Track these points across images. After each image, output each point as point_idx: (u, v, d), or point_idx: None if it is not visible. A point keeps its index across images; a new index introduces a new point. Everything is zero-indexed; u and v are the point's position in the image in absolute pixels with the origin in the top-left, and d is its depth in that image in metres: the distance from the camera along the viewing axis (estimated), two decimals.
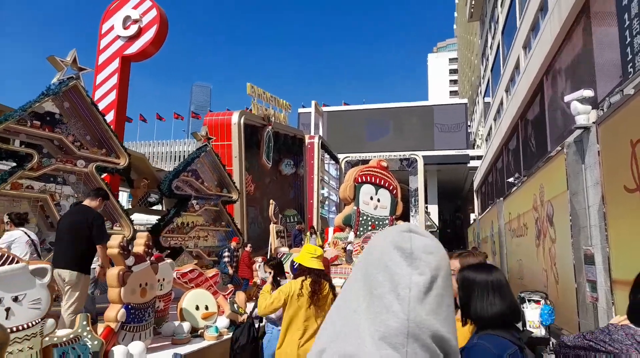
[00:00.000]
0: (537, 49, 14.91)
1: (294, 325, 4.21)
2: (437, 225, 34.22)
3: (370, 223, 20.26)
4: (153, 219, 12.02)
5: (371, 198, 20.48)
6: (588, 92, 6.53)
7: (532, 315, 7.11)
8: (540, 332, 7.02)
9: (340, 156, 26.70)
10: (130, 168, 10.60)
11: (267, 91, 18.92)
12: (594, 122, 6.21)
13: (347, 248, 16.32)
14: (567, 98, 6.84)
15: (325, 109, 36.85)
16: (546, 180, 8.39)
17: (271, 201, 15.12)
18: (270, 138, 16.31)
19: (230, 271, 11.26)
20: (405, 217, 24.64)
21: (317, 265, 4.34)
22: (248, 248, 12.34)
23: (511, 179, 12.73)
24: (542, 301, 7.19)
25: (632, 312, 2.58)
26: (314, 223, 21.19)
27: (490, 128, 24.35)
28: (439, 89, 76.07)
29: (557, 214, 7.67)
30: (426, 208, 32.75)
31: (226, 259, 11.22)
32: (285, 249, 13.56)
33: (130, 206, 11.02)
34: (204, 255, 11.64)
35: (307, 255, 4.42)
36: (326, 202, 29.22)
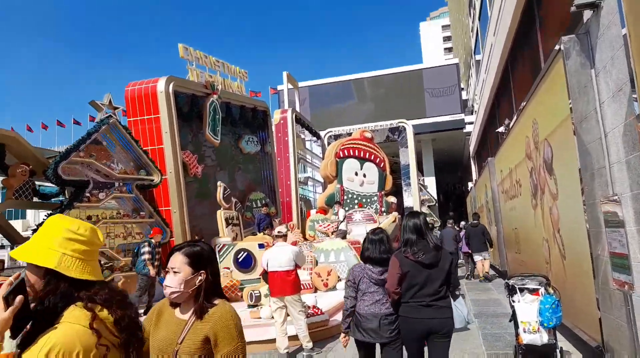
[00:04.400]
0: None
1: None
2: (435, 198, 31.68)
3: (356, 201, 17.84)
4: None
5: (356, 174, 18.07)
6: None
7: (528, 312, 4.65)
8: (540, 337, 4.57)
9: (323, 133, 24.08)
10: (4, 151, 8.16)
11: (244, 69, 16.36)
12: None
13: (340, 228, 13.95)
14: None
15: (307, 83, 34.17)
16: (540, 111, 5.83)
17: (219, 183, 12.65)
18: (217, 109, 13.79)
19: (152, 271, 8.85)
20: (396, 192, 22.07)
21: None
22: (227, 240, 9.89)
23: (501, 129, 10.15)
24: (542, 290, 4.73)
25: None
26: (294, 207, 18.75)
27: (483, 83, 21.61)
28: (434, 57, 72.71)
29: (558, 156, 5.13)
30: (423, 180, 30.17)
31: (146, 256, 8.78)
32: (225, 239, 11.13)
33: None
34: (116, 256, 9.22)
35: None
36: (309, 183, 26.76)
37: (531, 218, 6.93)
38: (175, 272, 1.86)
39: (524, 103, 6.66)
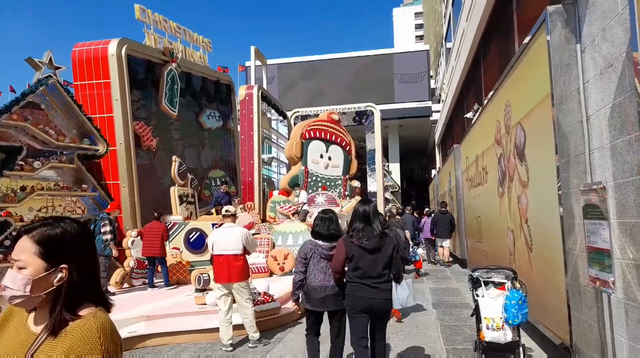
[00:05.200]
0: None
1: None
2: (399, 184, 31.68)
3: (320, 183, 17.35)
4: None
5: (321, 156, 17.55)
6: None
7: (492, 308, 4.32)
8: (504, 335, 4.25)
9: (290, 113, 23.33)
10: None
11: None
12: None
13: (301, 209, 13.41)
14: None
15: (276, 61, 33.22)
16: (514, 93, 5.46)
17: (174, 157, 11.86)
18: (175, 79, 12.88)
19: (115, 252, 8.09)
20: (360, 177, 21.77)
21: None
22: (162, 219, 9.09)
23: (469, 115, 9.85)
24: (508, 285, 4.39)
25: None
26: (256, 187, 18.09)
27: (452, 70, 21.42)
28: (405, 44, 72.54)
29: (532, 141, 4.77)
30: (387, 166, 30.05)
31: (108, 236, 7.84)
32: (177, 217, 10.46)
33: None
34: None
35: None
36: (273, 163, 26.10)
37: (496, 206, 6.64)
38: (20, 267, 1.24)
39: (497, 85, 6.29)
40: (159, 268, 8.66)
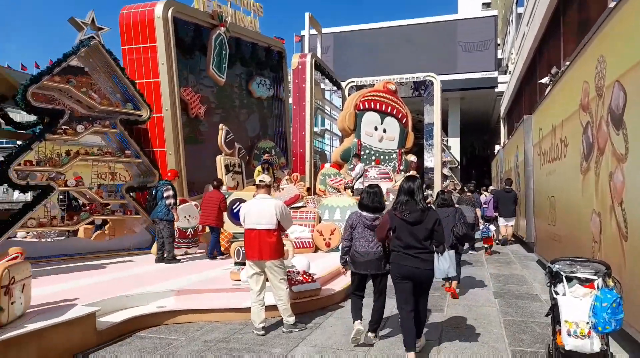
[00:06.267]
0: None
1: None
2: (458, 160, 30.13)
3: (374, 157, 16.57)
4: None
5: (375, 128, 16.68)
6: None
7: (576, 310, 3.46)
8: (590, 343, 3.40)
9: (344, 83, 22.41)
10: None
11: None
12: None
13: (356, 186, 12.69)
14: None
15: (331, 29, 32.14)
16: (612, 44, 4.40)
17: (221, 125, 11.50)
18: (224, 44, 12.38)
19: (177, 217, 8.08)
20: (417, 152, 20.70)
21: None
22: (223, 188, 9.06)
23: (545, 80, 8.59)
24: (599, 282, 3.52)
25: None
26: (307, 159, 17.59)
27: (523, 37, 19.51)
28: (470, 9, 68.33)
29: (635, 103, 3.77)
30: (446, 141, 28.57)
31: (171, 201, 7.83)
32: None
33: None
34: (96, 197, 8.22)
35: None
36: (326, 135, 25.43)
37: (577, 185, 5.62)
38: None
39: (586, 39, 5.19)
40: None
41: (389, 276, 4.14)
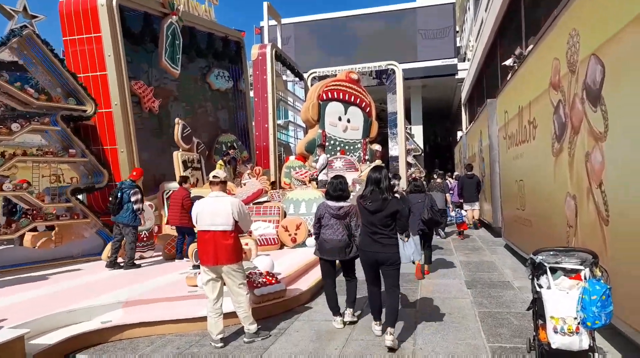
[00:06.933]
0: None
1: None
2: (422, 148, 30.24)
3: (339, 147, 16.23)
4: None
5: (339, 118, 16.36)
6: None
7: (563, 304, 3.18)
8: (579, 340, 3.14)
9: (306, 74, 21.90)
10: None
11: None
12: None
13: (320, 178, 12.36)
14: None
15: (291, 20, 31.47)
16: (586, 16, 4.14)
17: (177, 119, 10.83)
18: (177, 34, 11.67)
19: (143, 222, 7.55)
20: (382, 141, 20.49)
21: None
22: (186, 185, 8.28)
23: (508, 62, 8.42)
24: (586, 273, 3.25)
25: None
26: (271, 152, 17.05)
27: (482, 23, 19.56)
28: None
29: (615, 77, 3.50)
30: (410, 129, 28.57)
31: (139, 205, 7.27)
32: (173, 184, 9.51)
33: None
34: (38, 202, 7.47)
35: None
36: (290, 127, 24.91)
37: (549, 167, 5.40)
38: None
39: (556, 12, 4.94)
40: None
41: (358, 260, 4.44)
